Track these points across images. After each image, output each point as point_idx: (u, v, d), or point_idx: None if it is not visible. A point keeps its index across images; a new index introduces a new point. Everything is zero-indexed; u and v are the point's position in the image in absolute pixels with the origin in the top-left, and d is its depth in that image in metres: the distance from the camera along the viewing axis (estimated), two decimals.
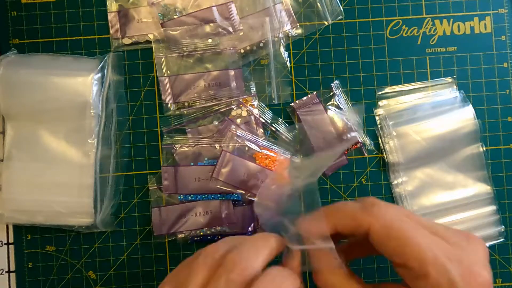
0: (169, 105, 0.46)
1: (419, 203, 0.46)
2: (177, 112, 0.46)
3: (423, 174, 0.47)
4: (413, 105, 0.47)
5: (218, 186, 0.44)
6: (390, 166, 0.47)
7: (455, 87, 0.48)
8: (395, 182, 0.47)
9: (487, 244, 0.47)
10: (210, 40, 0.46)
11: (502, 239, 0.47)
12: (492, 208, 0.47)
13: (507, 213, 0.47)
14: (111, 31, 0.47)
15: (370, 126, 0.47)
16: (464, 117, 0.46)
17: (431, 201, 0.46)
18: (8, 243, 0.46)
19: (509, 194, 0.48)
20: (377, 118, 0.47)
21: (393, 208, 0.31)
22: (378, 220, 0.29)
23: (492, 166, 0.47)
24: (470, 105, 0.46)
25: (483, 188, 0.47)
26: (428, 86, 0.48)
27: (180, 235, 0.45)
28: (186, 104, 0.46)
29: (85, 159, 0.44)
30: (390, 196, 0.47)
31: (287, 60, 0.47)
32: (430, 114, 0.46)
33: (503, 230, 0.47)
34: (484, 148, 0.47)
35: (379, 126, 0.47)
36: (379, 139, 0.47)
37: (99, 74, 0.44)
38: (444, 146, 0.46)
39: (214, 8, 0.46)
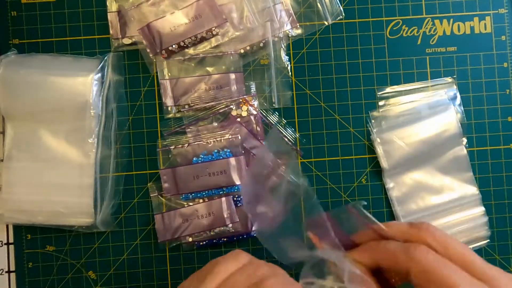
0: (170, 107, 0.46)
1: (408, 208, 0.46)
2: (177, 115, 0.46)
3: (410, 180, 0.47)
4: (398, 112, 0.47)
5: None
6: (382, 171, 0.47)
7: (455, 87, 0.48)
8: (387, 186, 0.47)
9: (477, 246, 0.46)
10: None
11: (488, 240, 0.46)
12: (481, 209, 0.46)
13: (507, 213, 0.47)
14: (111, 31, 0.46)
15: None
16: (447, 120, 0.46)
17: (419, 206, 0.46)
18: (8, 243, 0.46)
19: (509, 194, 0.48)
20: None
21: (437, 247, 0.30)
22: (417, 264, 0.29)
23: (492, 166, 0.47)
24: (452, 107, 0.46)
25: (470, 190, 0.47)
26: (428, 86, 0.48)
27: (185, 243, 0.45)
28: (186, 106, 0.46)
29: (85, 159, 0.44)
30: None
31: (287, 61, 0.47)
32: (413, 119, 0.46)
33: (489, 233, 0.46)
34: (467, 150, 0.47)
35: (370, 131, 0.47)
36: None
37: (99, 74, 0.44)
38: (428, 150, 0.46)
39: None
